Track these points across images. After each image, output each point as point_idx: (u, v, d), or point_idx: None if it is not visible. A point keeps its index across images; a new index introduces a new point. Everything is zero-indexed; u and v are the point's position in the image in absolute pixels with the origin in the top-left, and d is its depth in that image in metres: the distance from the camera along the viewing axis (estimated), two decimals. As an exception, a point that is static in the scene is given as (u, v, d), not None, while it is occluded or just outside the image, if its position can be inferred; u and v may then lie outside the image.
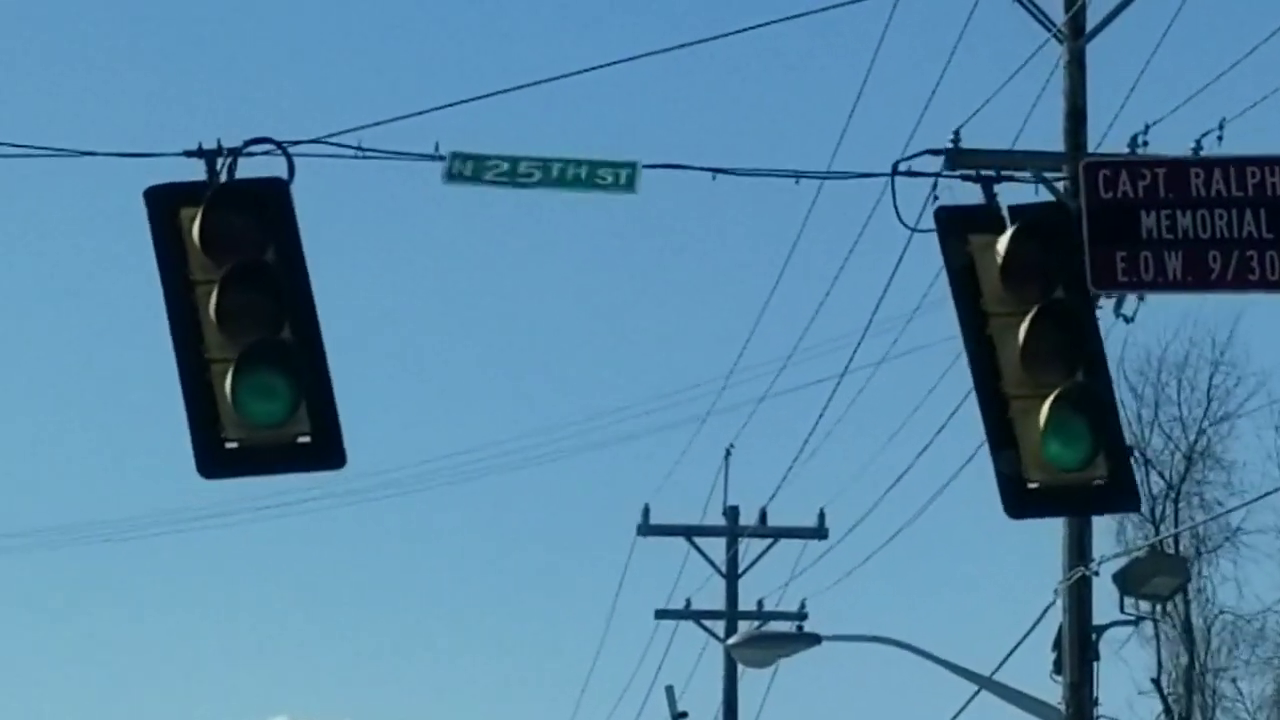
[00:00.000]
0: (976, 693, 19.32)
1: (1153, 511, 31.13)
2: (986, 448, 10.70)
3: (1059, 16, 16.96)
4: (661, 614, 30.72)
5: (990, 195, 11.01)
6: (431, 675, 59.48)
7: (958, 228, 10.74)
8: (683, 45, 12.58)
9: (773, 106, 56.65)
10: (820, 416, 22.15)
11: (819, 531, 29.02)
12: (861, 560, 23.95)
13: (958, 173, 11.81)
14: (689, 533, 30.17)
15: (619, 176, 11.00)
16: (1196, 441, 32.51)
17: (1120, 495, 10.88)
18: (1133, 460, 13.13)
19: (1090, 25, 17.19)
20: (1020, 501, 10.59)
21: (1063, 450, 10.46)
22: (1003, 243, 10.53)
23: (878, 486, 21.68)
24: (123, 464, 63.55)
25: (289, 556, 63.79)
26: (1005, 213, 10.91)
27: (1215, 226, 11.67)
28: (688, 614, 30.62)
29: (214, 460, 10.21)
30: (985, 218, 10.85)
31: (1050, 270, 10.60)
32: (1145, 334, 31.48)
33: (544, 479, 65.11)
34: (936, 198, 11.18)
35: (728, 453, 29.63)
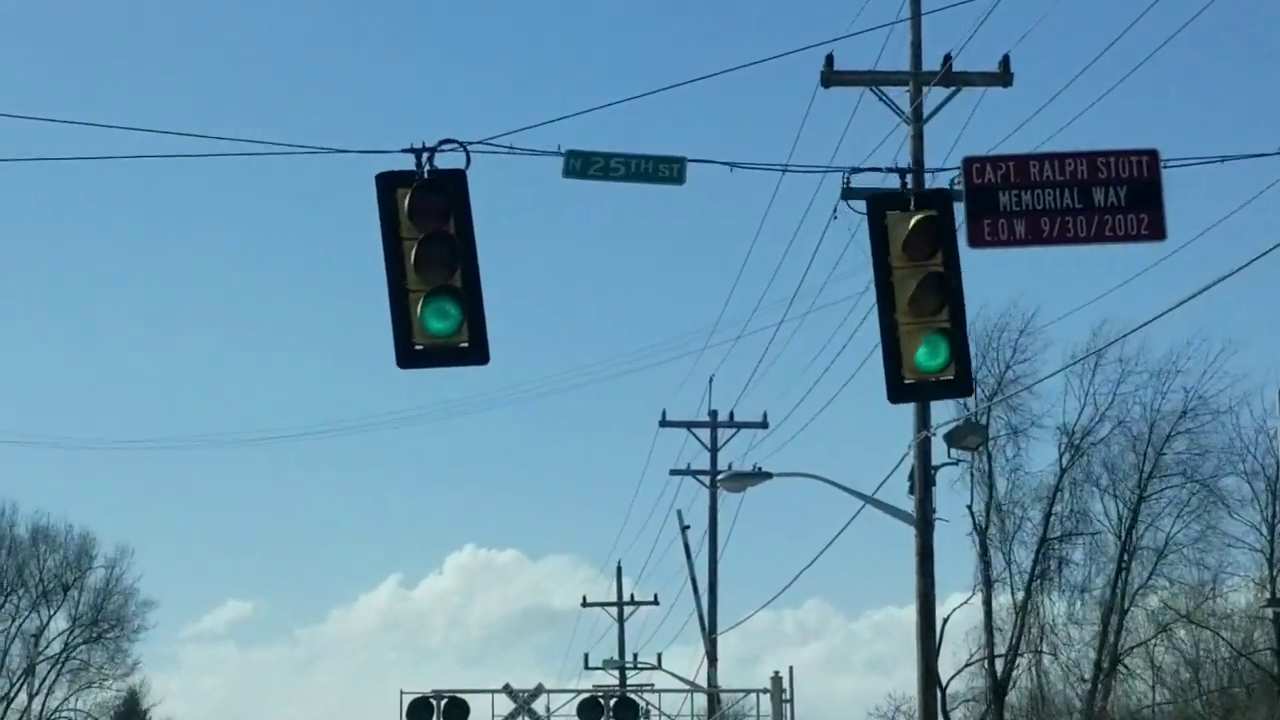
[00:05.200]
0: (863, 505, 25.80)
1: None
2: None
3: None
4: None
5: (903, 185, 15.34)
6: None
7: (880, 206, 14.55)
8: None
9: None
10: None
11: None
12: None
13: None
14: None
15: (673, 170, 14.64)
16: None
17: (961, 389, 15.09)
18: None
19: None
20: (898, 392, 14.62)
21: (928, 360, 14.27)
22: (911, 220, 14.16)
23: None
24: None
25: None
26: (912, 198, 14.48)
27: (1044, 201, 15.06)
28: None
29: (407, 358, 13.80)
30: (898, 200, 14.66)
31: (935, 244, 14.18)
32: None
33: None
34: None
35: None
